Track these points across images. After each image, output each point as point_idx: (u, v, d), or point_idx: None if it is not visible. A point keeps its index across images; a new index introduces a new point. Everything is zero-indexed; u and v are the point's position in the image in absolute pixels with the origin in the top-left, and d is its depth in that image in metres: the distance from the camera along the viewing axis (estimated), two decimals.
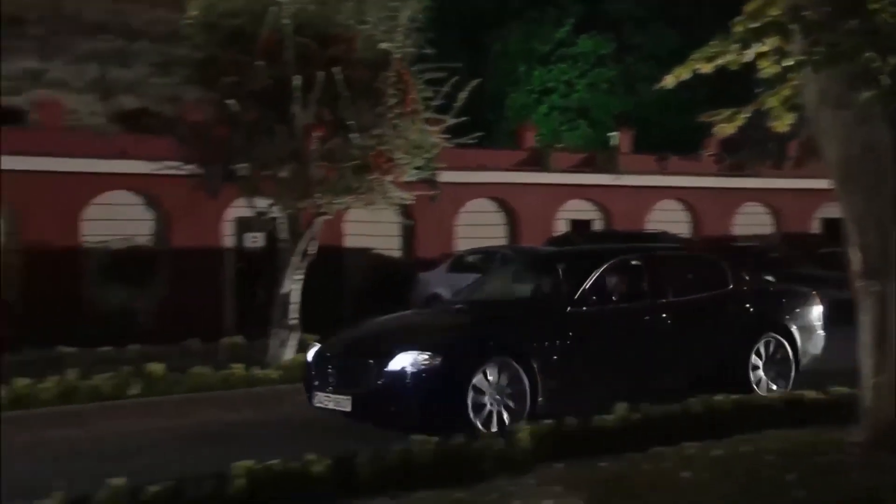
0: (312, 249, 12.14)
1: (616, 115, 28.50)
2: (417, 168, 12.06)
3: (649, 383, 8.37)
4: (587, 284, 8.27)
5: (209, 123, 11.76)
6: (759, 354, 9.01)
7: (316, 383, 7.90)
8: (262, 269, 17.51)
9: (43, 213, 16.29)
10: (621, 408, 7.09)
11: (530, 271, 10.10)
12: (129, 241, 17.09)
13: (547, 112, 29.72)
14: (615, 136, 24.46)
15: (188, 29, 11.63)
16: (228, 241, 18.39)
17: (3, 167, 15.37)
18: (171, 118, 13.42)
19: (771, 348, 9.10)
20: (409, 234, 19.89)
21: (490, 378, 7.37)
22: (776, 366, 9.09)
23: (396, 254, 20.35)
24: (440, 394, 7.20)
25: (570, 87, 29.94)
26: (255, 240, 17.92)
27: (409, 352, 7.29)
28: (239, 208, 16.79)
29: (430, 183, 12.92)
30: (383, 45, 11.12)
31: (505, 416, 7.34)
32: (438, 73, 11.65)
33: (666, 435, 6.72)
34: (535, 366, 7.51)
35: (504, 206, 21.33)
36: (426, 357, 7.24)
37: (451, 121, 11.75)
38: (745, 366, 8.84)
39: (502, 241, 20.45)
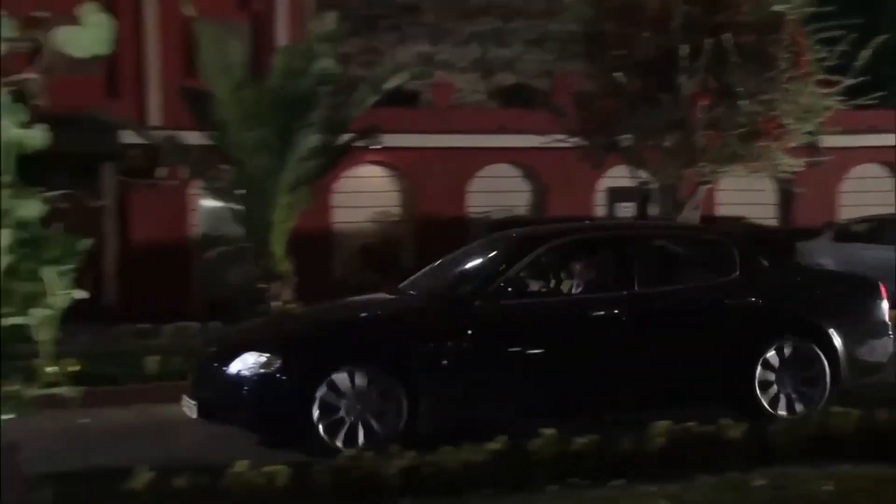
0: (695, 218, 12.10)
1: None
2: (808, 133, 11.59)
3: (592, 399, 6.72)
4: (509, 272, 6.68)
5: (593, 96, 12.14)
6: (773, 363, 6.87)
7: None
8: None
9: (434, 186, 17.76)
10: None
11: (469, 256, 7.86)
12: (508, 211, 18.07)
13: None
14: None
15: (574, 5, 12.08)
16: (600, 210, 18.78)
17: (401, 145, 16.96)
18: (548, 92, 14.05)
19: (792, 355, 6.93)
20: (786, 202, 19.00)
21: (347, 387, 6.10)
22: (801, 379, 6.92)
23: (771, 222, 19.54)
24: (279, 402, 6.15)
25: None
26: (628, 209, 18.14)
27: (251, 352, 6.30)
28: (611, 178, 17.13)
29: (814, 148, 12.36)
30: (775, 7, 10.79)
31: (376, 429, 6.08)
32: (833, 31, 11.10)
33: None
34: (411, 374, 6.18)
35: None
36: (265, 359, 6.20)
37: (848, 81, 11.13)
38: (749, 378, 6.77)
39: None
